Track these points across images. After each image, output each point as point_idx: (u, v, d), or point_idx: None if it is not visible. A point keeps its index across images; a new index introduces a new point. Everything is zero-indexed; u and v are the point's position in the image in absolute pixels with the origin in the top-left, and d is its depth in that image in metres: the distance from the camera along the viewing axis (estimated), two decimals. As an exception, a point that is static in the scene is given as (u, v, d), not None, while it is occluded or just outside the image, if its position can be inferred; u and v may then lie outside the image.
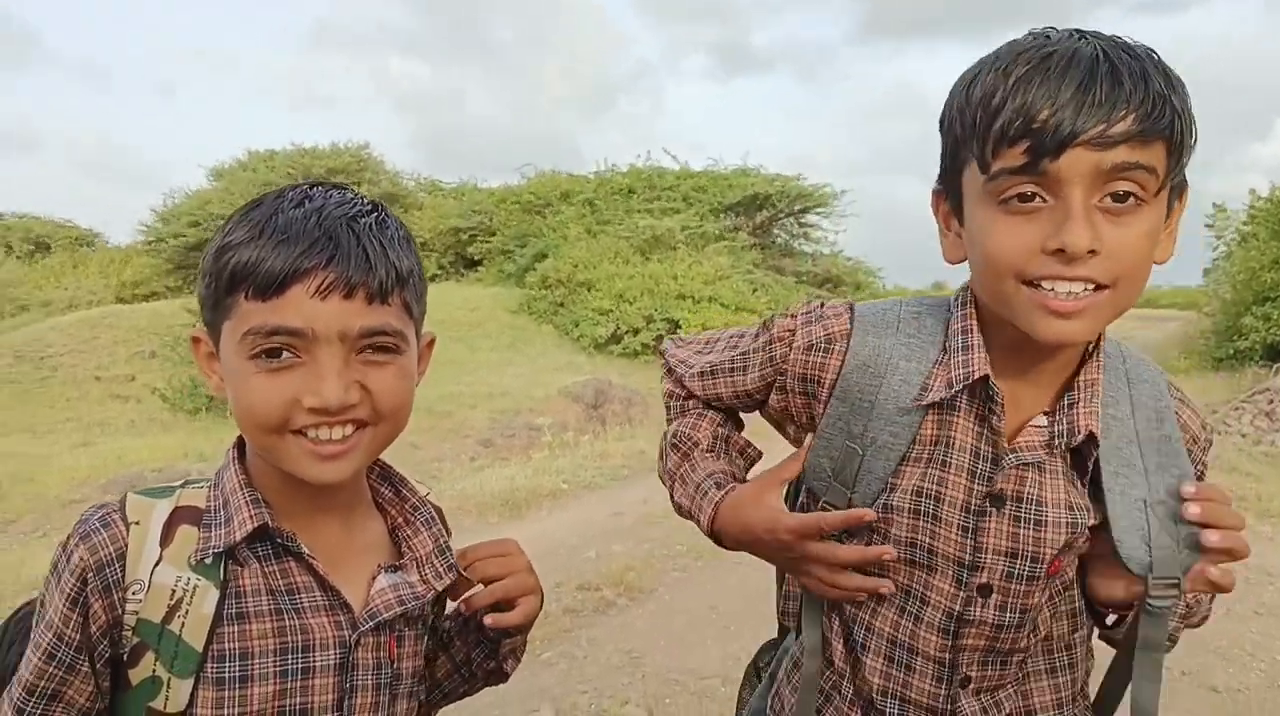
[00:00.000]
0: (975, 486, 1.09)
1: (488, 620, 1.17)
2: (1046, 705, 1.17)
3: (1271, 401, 11.08)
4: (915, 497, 1.11)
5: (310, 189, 1.05)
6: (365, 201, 1.07)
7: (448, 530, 1.20)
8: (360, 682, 1.06)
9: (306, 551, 1.04)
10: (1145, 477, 1.05)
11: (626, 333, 17.96)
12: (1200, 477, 1.12)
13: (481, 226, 24.33)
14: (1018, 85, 0.93)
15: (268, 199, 1.04)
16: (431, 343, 1.16)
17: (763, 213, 22.77)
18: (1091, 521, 1.08)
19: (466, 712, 4.07)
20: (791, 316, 1.23)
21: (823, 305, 1.23)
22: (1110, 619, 1.17)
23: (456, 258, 25.26)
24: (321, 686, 1.03)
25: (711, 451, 1.33)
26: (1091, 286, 0.95)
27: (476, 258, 24.42)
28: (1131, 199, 0.94)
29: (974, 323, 1.10)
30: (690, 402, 1.39)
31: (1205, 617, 1.23)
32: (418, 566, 1.13)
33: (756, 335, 1.28)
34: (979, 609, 1.10)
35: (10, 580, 5.55)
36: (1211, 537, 0.99)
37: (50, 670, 0.97)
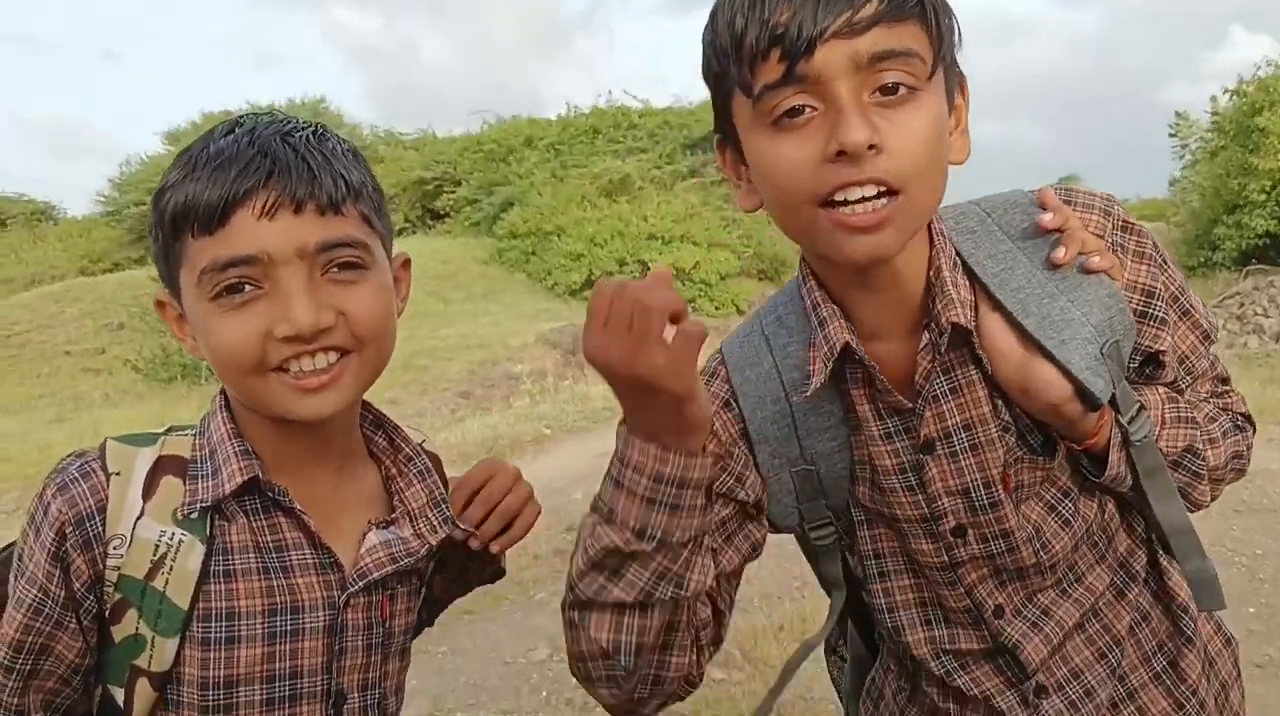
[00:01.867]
0: (899, 445, 1.05)
1: (494, 546, 1.12)
2: (1100, 589, 1.12)
3: (1242, 304, 11.23)
4: (863, 469, 1.08)
5: (240, 117, 0.99)
6: (300, 121, 1.01)
7: (444, 481, 1.14)
8: (350, 644, 1.01)
9: (299, 507, 0.98)
10: (1087, 321, 1.00)
11: (600, 276, 17.89)
12: (1129, 277, 1.06)
13: (446, 176, 24.01)
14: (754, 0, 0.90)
15: (200, 137, 0.98)
16: (407, 263, 1.09)
17: (730, 146, 22.55)
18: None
19: (462, 658, 4.11)
20: None
21: (706, 371, 1.15)
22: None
23: (424, 211, 24.97)
24: (311, 649, 0.99)
25: None
26: (884, 195, 0.90)
27: (443, 210, 24.14)
28: (901, 89, 0.89)
29: (819, 291, 1.04)
30: None
31: (1236, 447, 1.13)
32: (410, 520, 1.07)
33: None
34: (961, 549, 1.07)
35: (-7, 557, 5.51)
36: (1059, 254, 1.00)
37: (38, 625, 0.93)
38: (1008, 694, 1.11)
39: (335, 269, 0.94)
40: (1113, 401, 1.01)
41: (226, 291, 0.92)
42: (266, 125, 0.97)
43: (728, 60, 0.93)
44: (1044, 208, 1.03)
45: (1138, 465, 1.04)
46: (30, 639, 0.93)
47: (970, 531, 1.06)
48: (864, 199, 0.90)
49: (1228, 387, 1.18)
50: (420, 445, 1.14)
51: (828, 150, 0.88)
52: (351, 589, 1.01)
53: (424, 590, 1.17)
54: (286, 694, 0.98)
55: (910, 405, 1.03)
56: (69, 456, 0.98)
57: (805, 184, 0.91)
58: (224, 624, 0.95)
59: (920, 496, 1.06)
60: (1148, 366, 1.09)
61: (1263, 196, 15.55)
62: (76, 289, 17.73)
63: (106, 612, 0.95)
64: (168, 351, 13.22)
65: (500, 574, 1.23)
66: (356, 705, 1.03)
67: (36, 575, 0.93)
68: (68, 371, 14.32)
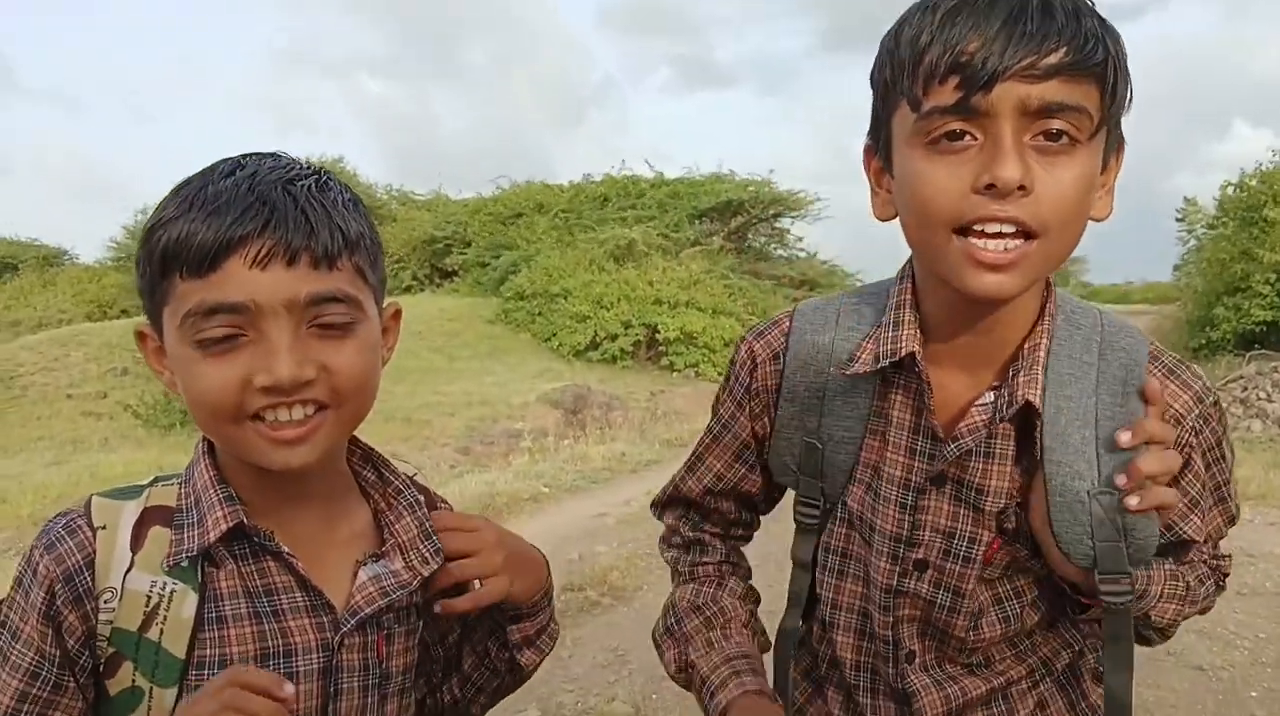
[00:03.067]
0: (916, 463, 1.07)
1: (437, 607, 1.08)
2: (1014, 677, 1.14)
3: (1245, 388, 11.21)
4: (865, 472, 1.10)
5: (243, 158, 0.97)
6: (304, 165, 0.99)
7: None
8: (346, 686, 1.00)
9: (286, 550, 0.98)
10: (1095, 464, 0.99)
11: (605, 338, 17.95)
12: (1187, 463, 1.05)
13: (456, 236, 24.24)
14: (945, 20, 0.90)
15: (199, 173, 0.96)
16: (397, 313, 1.07)
17: (737, 218, 22.78)
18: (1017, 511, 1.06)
19: None
20: (743, 340, 1.22)
21: (773, 320, 1.21)
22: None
23: (432, 269, 25.16)
24: (305, 692, 0.97)
25: (747, 626, 1.25)
26: (1020, 236, 0.91)
27: (452, 269, 24.33)
28: (1065, 138, 0.90)
29: (909, 296, 1.06)
30: (699, 555, 1.32)
31: (1207, 603, 1.17)
32: (401, 552, 1.05)
33: (727, 378, 1.25)
34: (913, 581, 1.09)
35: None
36: (1131, 502, 0.95)
37: (34, 691, 0.92)
38: None
39: (323, 322, 0.93)
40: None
41: (210, 336, 0.91)
42: (269, 170, 0.95)
43: (902, 73, 0.94)
44: (1145, 397, 1.00)
45: (1105, 627, 1.04)
46: (26, 706, 0.92)
47: (930, 571, 1.08)
48: (1000, 234, 0.91)
49: (1226, 554, 1.21)
50: (411, 478, 1.12)
51: (978, 181, 0.90)
52: (344, 628, 0.99)
53: (503, 633, 1.14)
54: None
55: (943, 437, 1.05)
56: (54, 517, 0.97)
57: (948, 208, 0.92)
58: (216, 672, 0.93)
59: (907, 517, 1.08)
60: (1174, 545, 1.11)
61: (1266, 287, 15.72)
62: (83, 333, 17.79)
63: (101, 667, 0.94)
64: (169, 398, 13.20)
65: (517, 671, 1.18)
66: None
67: (32, 637, 0.92)
68: (68, 414, 14.30)
